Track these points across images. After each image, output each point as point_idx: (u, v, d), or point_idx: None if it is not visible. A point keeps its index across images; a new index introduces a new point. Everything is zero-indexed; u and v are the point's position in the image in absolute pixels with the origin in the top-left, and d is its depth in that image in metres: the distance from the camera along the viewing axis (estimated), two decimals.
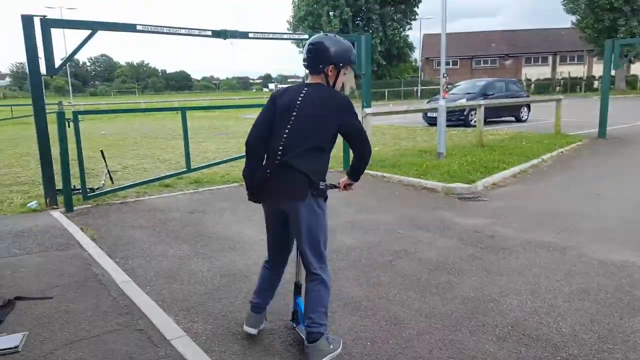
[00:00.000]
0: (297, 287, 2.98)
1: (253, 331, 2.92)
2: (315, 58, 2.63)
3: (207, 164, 8.26)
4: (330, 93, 2.65)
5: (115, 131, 18.06)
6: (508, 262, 4.19)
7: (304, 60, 2.69)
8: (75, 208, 5.97)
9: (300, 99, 2.62)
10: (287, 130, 2.57)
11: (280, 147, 2.56)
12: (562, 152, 10.18)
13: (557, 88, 44.56)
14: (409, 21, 45.02)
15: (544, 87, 44.15)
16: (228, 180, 7.85)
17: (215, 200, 6.48)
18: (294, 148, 2.54)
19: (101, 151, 7.48)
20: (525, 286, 3.69)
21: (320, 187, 2.57)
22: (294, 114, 2.59)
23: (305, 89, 2.67)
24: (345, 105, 2.61)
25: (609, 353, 2.79)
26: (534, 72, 50.91)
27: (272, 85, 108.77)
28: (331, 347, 2.65)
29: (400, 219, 5.53)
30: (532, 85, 44.39)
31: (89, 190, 6.37)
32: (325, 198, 2.68)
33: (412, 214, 5.72)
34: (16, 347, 2.79)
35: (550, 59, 54.42)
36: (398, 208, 6.03)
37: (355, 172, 2.80)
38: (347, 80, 2.77)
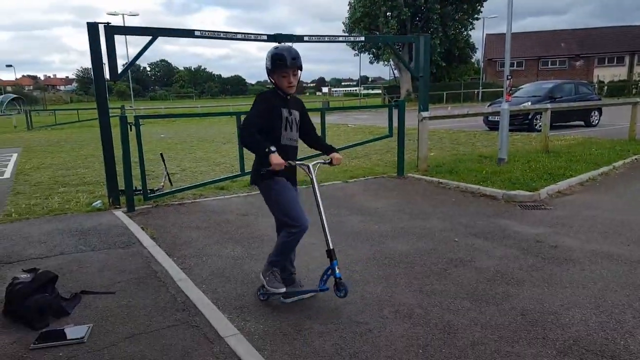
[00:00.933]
0: (330, 252, 3.23)
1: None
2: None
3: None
4: None
5: (173, 135, 18.77)
6: (571, 274, 3.98)
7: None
8: (136, 208, 6.25)
9: None
10: None
11: None
12: (636, 159, 9.54)
13: (634, 90, 41.50)
14: (471, 21, 42.82)
15: (618, 90, 41.15)
16: None
17: None
18: None
19: (161, 154, 7.79)
20: (590, 300, 3.49)
21: (261, 172, 3.24)
22: None
23: None
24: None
25: None
26: (608, 74, 47.62)
27: (325, 89, 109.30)
28: (267, 278, 3.35)
29: (456, 226, 5.38)
30: (605, 88, 41.56)
31: (149, 191, 6.66)
32: (272, 178, 3.29)
33: (470, 222, 5.55)
34: (82, 338, 2.95)
35: (626, 58, 49.78)
36: (455, 215, 5.87)
37: None
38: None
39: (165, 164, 7.55)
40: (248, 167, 8.00)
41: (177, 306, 3.39)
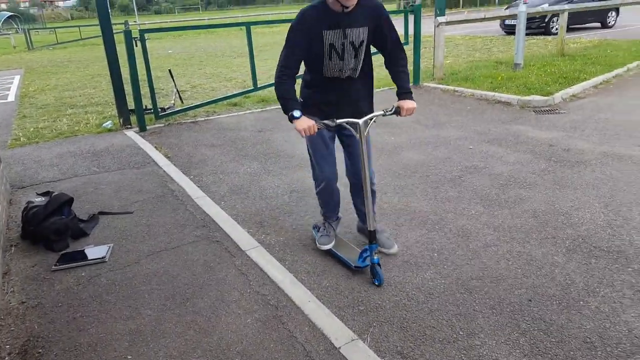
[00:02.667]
0: (371, 234, 2.69)
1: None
2: None
3: (272, 82, 8.22)
4: None
5: (180, 50, 18.32)
6: (582, 175, 3.99)
7: None
8: (148, 127, 6.27)
9: None
10: None
11: None
12: None
13: None
14: None
15: None
16: None
17: (283, 119, 6.49)
18: None
19: (169, 70, 7.67)
20: (600, 199, 3.53)
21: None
22: None
23: None
24: None
25: None
26: None
27: None
28: (315, 229, 3.15)
29: (471, 133, 5.34)
30: None
31: (160, 109, 6.64)
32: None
33: (484, 129, 5.50)
34: (103, 257, 3.05)
35: None
36: (470, 123, 5.81)
37: None
38: None
39: (174, 81, 7.46)
40: (261, 81, 7.93)
41: (197, 223, 3.51)
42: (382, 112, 2.57)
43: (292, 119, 2.45)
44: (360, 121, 2.52)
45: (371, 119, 2.57)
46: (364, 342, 2.22)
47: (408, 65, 2.72)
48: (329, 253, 2.99)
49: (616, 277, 2.61)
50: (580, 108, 6.20)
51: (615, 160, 4.27)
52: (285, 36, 2.56)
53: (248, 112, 7.10)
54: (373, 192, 2.92)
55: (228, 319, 2.41)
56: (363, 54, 2.59)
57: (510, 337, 2.21)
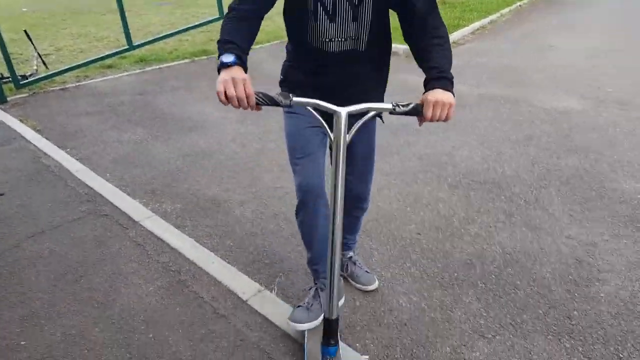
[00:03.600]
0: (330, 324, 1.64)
1: None
2: None
3: (151, 39, 7.68)
4: None
5: (37, 7, 16.30)
6: (461, 117, 4.34)
7: None
8: (8, 99, 5.55)
9: None
10: None
11: None
12: (520, 5, 10.06)
13: None
14: None
15: None
16: (178, 56, 7.41)
17: (166, 79, 6.18)
18: None
19: (25, 31, 6.78)
20: (477, 138, 3.90)
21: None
22: None
23: None
24: None
25: (545, 188, 3.14)
26: None
27: None
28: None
29: None
30: None
31: (20, 77, 5.91)
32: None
33: None
34: None
35: None
36: None
37: None
38: None
39: (33, 44, 6.64)
40: (137, 39, 7.34)
41: (81, 198, 3.25)
42: (392, 106, 1.38)
43: (219, 68, 1.38)
44: (343, 111, 1.39)
45: (366, 113, 1.43)
46: (272, 292, 2.28)
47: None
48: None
49: (491, 205, 2.96)
50: (460, 54, 6.65)
51: (491, 101, 4.73)
52: None
53: (125, 74, 6.59)
54: (356, 219, 2.16)
55: (128, 291, 2.32)
56: (369, 17, 1.61)
57: (402, 267, 2.43)
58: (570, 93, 4.86)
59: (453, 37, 7.45)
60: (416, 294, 2.26)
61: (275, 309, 2.16)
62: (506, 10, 9.43)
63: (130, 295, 2.29)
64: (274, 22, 7.78)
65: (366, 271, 2.33)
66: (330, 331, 1.57)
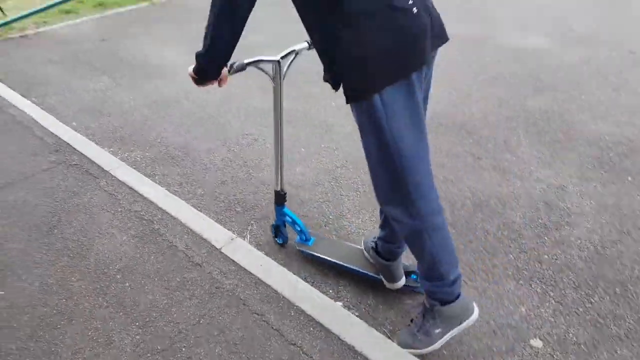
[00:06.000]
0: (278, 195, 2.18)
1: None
2: None
3: None
4: None
5: None
6: (436, 65, 4.33)
7: None
8: None
9: None
10: None
11: None
12: None
13: None
14: None
15: None
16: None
17: (127, 25, 5.93)
18: None
19: None
20: (444, 81, 3.91)
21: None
22: None
23: None
24: None
25: (513, 130, 3.21)
26: None
27: None
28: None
29: None
30: None
31: None
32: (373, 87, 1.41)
33: None
34: None
35: None
36: None
37: None
38: None
39: None
40: None
41: (49, 148, 3.20)
42: (307, 44, 1.82)
43: (204, 77, 1.62)
44: (278, 57, 1.76)
45: (293, 52, 1.81)
46: (244, 239, 2.34)
47: None
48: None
49: (460, 149, 3.02)
50: None
51: (457, 42, 4.65)
52: None
53: (85, 19, 6.29)
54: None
55: (103, 240, 2.35)
56: None
57: (373, 215, 2.49)
58: (536, 32, 4.86)
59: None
60: None
61: (249, 256, 2.22)
62: None
63: (104, 244, 2.32)
64: None
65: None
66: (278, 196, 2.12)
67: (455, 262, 1.63)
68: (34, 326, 1.91)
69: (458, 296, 1.65)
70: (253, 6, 1.42)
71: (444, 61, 4.19)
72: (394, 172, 1.47)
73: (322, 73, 1.51)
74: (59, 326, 1.90)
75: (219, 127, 3.38)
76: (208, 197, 2.67)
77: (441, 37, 1.54)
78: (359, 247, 2.14)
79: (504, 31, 4.90)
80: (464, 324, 1.66)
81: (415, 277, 2.00)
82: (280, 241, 2.29)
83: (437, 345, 1.67)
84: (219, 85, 1.67)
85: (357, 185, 2.72)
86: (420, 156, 1.48)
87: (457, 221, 2.41)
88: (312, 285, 2.06)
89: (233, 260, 2.21)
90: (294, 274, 2.12)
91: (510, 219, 2.41)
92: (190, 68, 1.62)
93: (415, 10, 1.35)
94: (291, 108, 3.59)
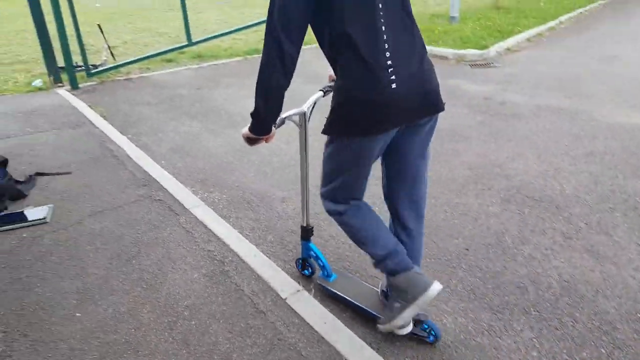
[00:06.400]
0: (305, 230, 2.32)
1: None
2: None
3: (208, 36, 7.95)
4: None
5: (108, 3, 17.15)
6: (516, 128, 4.20)
7: None
8: (80, 86, 5.92)
9: None
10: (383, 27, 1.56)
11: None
12: (581, 12, 9.61)
13: None
14: None
15: None
16: (232, 54, 7.63)
17: (221, 76, 6.37)
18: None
19: (98, 25, 7.18)
20: (533, 151, 3.74)
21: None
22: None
23: None
24: None
25: (609, 212, 2.91)
26: None
27: None
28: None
29: None
30: None
31: (91, 67, 6.27)
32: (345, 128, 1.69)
33: None
34: (44, 218, 2.94)
35: None
36: None
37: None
38: None
39: (104, 36, 7.02)
40: (196, 36, 7.63)
41: (138, 182, 3.41)
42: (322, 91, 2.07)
43: (258, 134, 1.77)
44: (304, 109, 1.98)
45: (314, 102, 2.03)
46: (309, 293, 2.29)
47: None
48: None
49: (548, 225, 2.79)
50: (515, 61, 6.45)
51: (548, 113, 4.53)
52: None
53: (184, 68, 6.83)
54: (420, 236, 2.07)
55: (175, 275, 2.40)
56: None
57: (449, 284, 2.34)
58: (635, 108, 4.59)
59: (507, 43, 7.22)
60: (462, 314, 2.14)
61: (313, 311, 2.16)
62: (565, 17, 9.04)
63: (176, 280, 2.37)
64: None
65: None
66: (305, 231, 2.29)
67: (381, 242, 1.87)
68: (102, 352, 1.95)
69: (406, 270, 1.80)
70: (299, 51, 1.54)
71: (533, 133, 4.08)
72: (331, 176, 1.87)
73: None
74: (125, 355, 1.93)
75: (294, 176, 3.44)
76: (278, 245, 2.67)
77: (435, 107, 1.78)
78: (375, 288, 2.19)
79: (601, 106, 4.67)
80: (420, 300, 1.75)
81: (425, 327, 1.97)
82: (306, 273, 2.40)
83: (398, 320, 1.78)
84: (266, 141, 1.81)
85: (433, 252, 2.61)
86: (357, 182, 1.91)
87: (542, 303, 2.19)
88: (377, 353, 1.94)
89: (297, 313, 2.15)
90: (359, 337, 2.02)
91: (602, 309, 2.16)
92: (245, 129, 1.79)
93: (394, 86, 1.56)
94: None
